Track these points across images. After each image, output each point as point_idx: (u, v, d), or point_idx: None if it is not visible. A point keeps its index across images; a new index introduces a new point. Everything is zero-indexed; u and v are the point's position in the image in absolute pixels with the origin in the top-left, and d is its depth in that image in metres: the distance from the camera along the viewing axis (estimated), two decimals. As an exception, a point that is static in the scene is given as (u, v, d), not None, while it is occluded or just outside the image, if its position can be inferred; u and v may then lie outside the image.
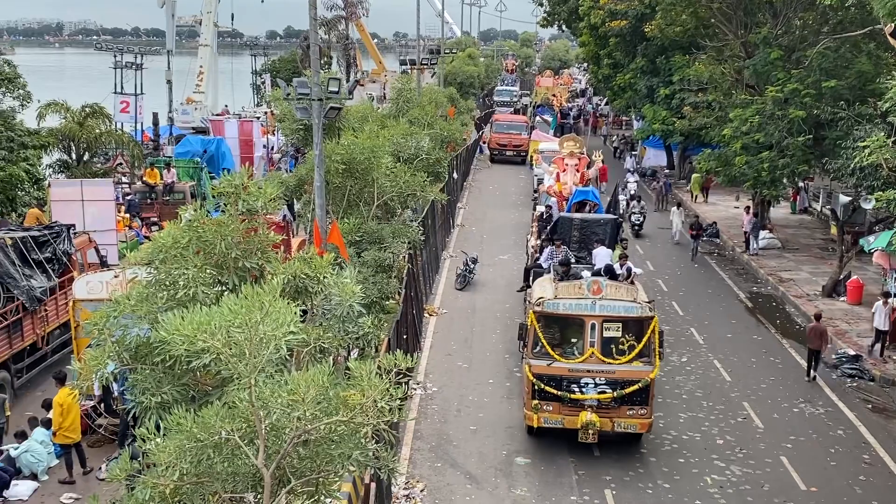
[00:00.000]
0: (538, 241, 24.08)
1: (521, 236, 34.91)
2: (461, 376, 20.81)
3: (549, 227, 23.40)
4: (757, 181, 29.08)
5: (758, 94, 29.97)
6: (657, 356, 16.55)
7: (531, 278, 21.13)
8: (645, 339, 16.34)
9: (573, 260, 21.08)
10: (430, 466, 16.44)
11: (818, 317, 21.69)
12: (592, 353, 16.27)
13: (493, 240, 34.70)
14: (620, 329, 16.41)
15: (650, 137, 47.86)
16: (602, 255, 20.73)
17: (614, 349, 16.36)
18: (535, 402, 16.51)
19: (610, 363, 16.29)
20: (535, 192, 37.67)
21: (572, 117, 69.26)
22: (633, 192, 38.55)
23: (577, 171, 25.49)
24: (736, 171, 29.77)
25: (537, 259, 22.27)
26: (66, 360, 18.70)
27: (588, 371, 16.30)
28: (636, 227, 34.92)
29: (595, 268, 19.58)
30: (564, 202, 25.54)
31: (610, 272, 18.14)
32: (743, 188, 33.24)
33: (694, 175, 41.26)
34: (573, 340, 16.67)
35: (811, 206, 39.02)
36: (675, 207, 36.18)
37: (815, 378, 20.84)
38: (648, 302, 16.80)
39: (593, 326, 16.29)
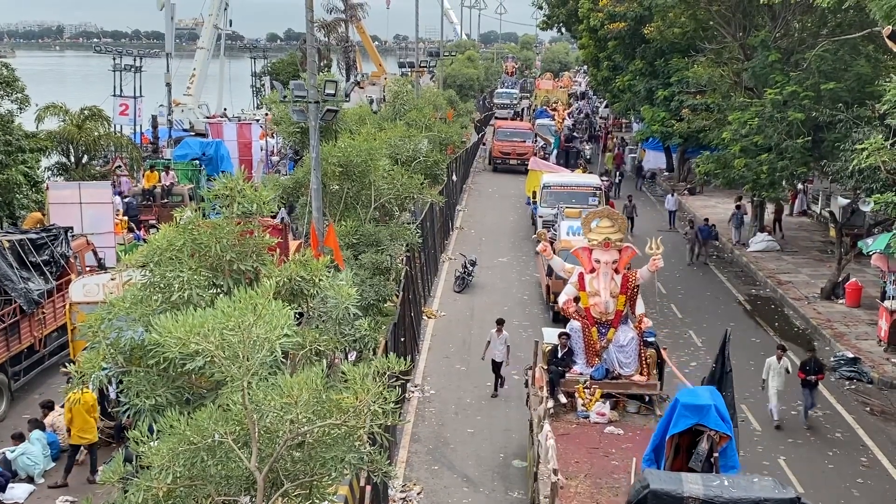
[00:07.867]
0: (548, 398, 14.75)
1: (520, 239, 34.95)
2: (459, 379, 20.78)
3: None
4: (756, 183, 29.06)
5: (756, 96, 29.96)
6: None
7: None
8: None
9: None
10: (427, 469, 16.43)
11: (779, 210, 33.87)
12: None
13: (491, 242, 34.67)
14: None
15: (649, 139, 47.89)
16: None
17: None
18: None
19: None
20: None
21: (576, 138, 56.52)
22: None
23: (616, 272, 15.86)
24: (735, 173, 29.73)
25: None
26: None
27: None
28: None
29: None
30: (595, 327, 15.76)
31: None
32: (743, 190, 33.17)
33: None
34: None
35: (810, 208, 39.01)
36: (777, 359, 18.84)
37: (782, 237, 32.79)
38: None
39: None
